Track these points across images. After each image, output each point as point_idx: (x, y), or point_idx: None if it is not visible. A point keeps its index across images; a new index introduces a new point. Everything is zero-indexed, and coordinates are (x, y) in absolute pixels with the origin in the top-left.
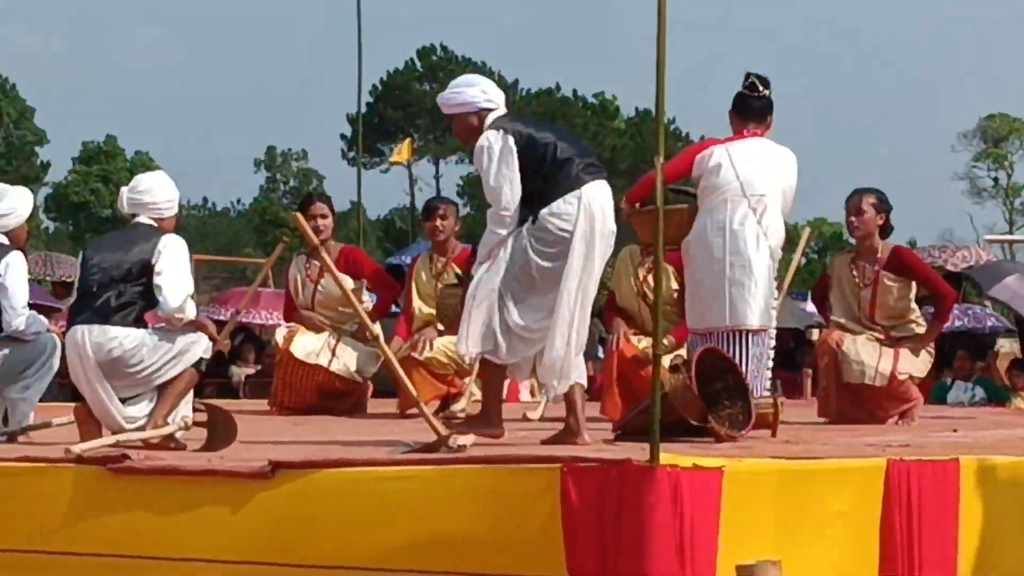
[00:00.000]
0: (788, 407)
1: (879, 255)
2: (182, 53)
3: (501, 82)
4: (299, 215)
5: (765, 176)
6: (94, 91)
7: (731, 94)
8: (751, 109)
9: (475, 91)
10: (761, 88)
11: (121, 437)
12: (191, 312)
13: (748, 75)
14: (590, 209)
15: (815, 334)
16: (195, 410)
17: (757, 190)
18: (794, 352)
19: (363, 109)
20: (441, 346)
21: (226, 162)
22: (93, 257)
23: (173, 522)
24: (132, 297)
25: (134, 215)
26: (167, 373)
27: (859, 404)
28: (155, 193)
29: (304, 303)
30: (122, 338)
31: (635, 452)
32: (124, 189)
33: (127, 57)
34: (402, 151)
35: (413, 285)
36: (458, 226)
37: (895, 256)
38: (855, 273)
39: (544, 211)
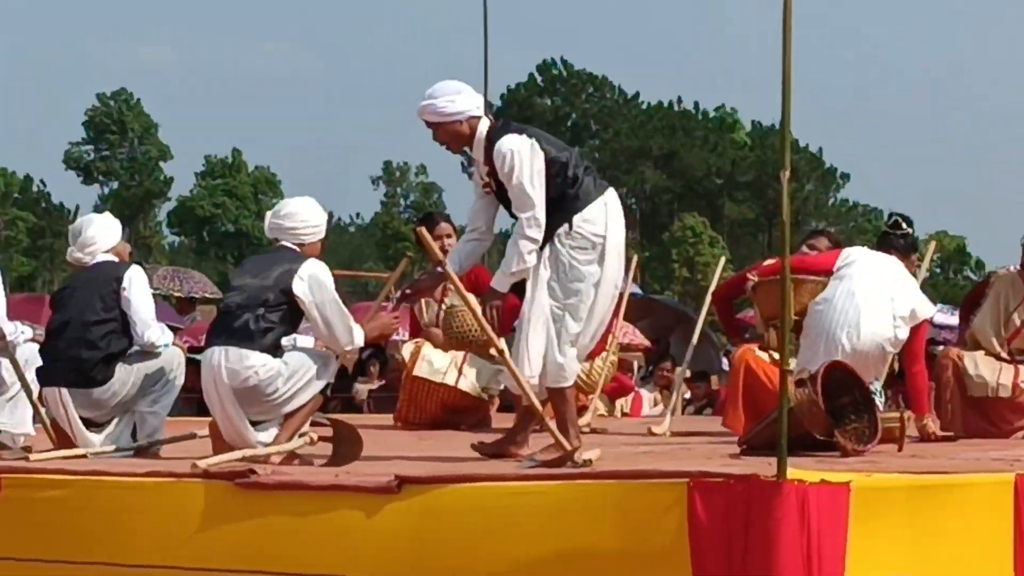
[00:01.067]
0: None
1: None
2: (305, 67)
3: (621, 95)
4: (424, 230)
5: (901, 287)
6: (218, 105)
7: (849, 106)
8: (894, 247)
9: (465, 99)
10: (905, 226)
11: (248, 452)
12: (361, 341)
13: (892, 215)
14: (616, 215)
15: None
16: (321, 425)
17: (893, 293)
18: None
19: None
20: None
21: (347, 176)
22: (237, 278)
23: (300, 537)
24: (270, 323)
25: (276, 239)
26: (298, 400)
27: (984, 417)
28: (296, 218)
29: (430, 321)
30: (258, 367)
31: (762, 467)
32: (268, 213)
33: (250, 71)
34: None
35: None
36: None
37: None
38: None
39: (577, 217)
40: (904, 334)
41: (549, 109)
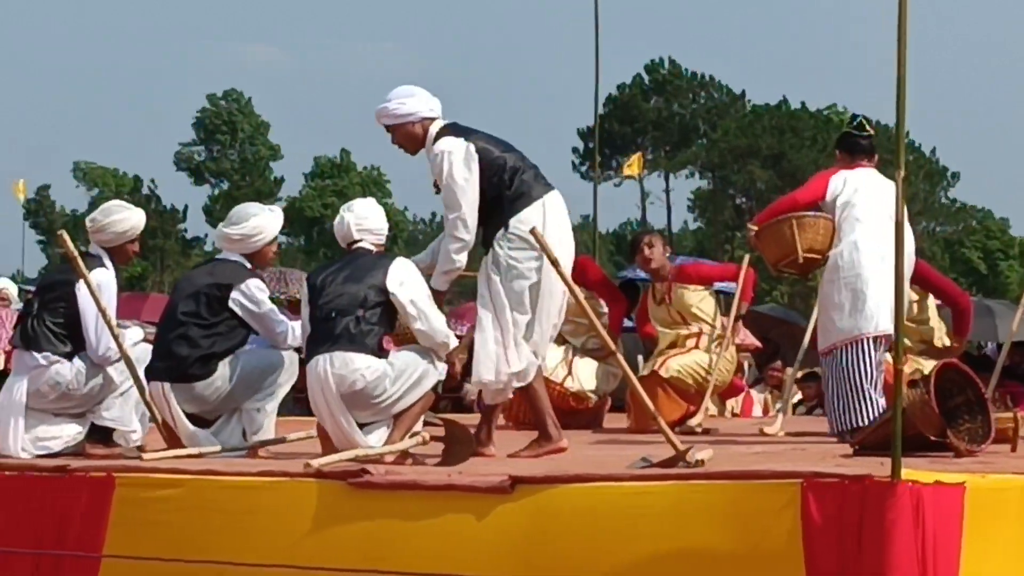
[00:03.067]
0: None
1: None
2: (414, 67)
3: (729, 94)
4: (537, 229)
5: (884, 201)
6: (327, 106)
7: (961, 103)
8: (860, 147)
9: (417, 101)
10: (868, 128)
11: (360, 452)
12: (454, 342)
13: (854, 116)
14: (555, 215)
15: None
16: (433, 425)
17: (887, 211)
18: None
19: (599, 124)
20: (684, 364)
21: None
22: (325, 284)
23: (413, 536)
24: (371, 324)
25: (358, 240)
26: (407, 400)
27: None
28: (378, 220)
29: None
30: (363, 370)
31: (875, 468)
32: (348, 216)
33: (360, 71)
34: (632, 164)
35: (648, 312)
36: (667, 251)
37: None
38: None
39: (513, 219)
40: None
41: (654, 109)
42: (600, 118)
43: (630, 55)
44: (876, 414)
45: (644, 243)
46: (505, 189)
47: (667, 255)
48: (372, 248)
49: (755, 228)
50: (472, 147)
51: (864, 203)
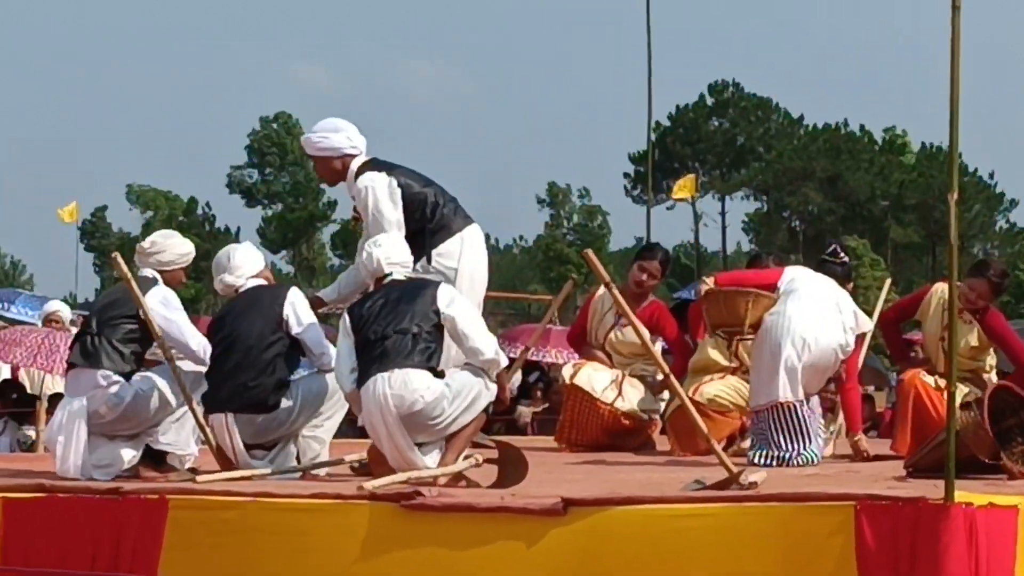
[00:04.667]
0: None
1: None
2: (464, 88)
3: (786, 117)
4: (590, 252)
5: (846, 302)
6: (376, 127)
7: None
8: (832, 274)
9: (340, 137)
10: (842, 255)
11: (413, 474)
12: (504, 360)
13: (831, 242)
14: (472, 248)
15: None
16: (486, 447)
17: (842, 306)
18: None
19: (652, 147)
20: (719, 388)
21: (510, 199)
22: (371, 313)
23: (466, 559)
24: (427, 343)
25: (389, 273)
26: (462, 420)
27: None
28: (404, 252)
29: (597, 339)
30: (423, 391)
31: (929, 490)
32: (377, 252)
33: (408, 92)
34: (684, 187)
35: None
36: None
37: None
38: None
39: (434, 252)
40: (852, 341)
41: (719, 131)
42: (659, 138)
43: (692, 75)
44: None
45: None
46: (427, 223)
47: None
48: (403, 278)
49: (708, 286)
50: (395, 181)
51: (806, 285)
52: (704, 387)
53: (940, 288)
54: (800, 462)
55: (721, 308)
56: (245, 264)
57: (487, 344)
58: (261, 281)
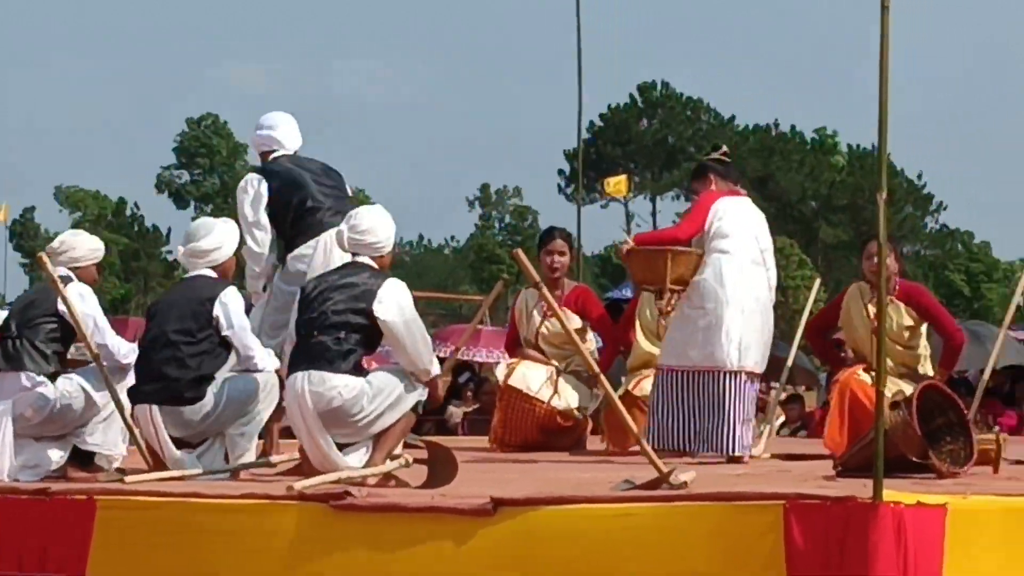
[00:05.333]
0: (1010, 443)
1: None
2: (396, 89)
3: (717, 118)
4: (520, 252)
5: (765, 234)
6: (307, 127)
7: (948, 126)
8: (730, 171)
9: (263, 133)
10: (730, 156)
11: (343, 474)
12: (437, 368)
13: (716, 145)
14: (327, 252)
15: None
16: (416, 447)
17: (763, 245)
18: (1013, 388)
19: (582, 145)
20: None
21: (441, 199)
22: (315, 298)
23: (396, 559)
24: (351, 345)
25: (354, 254)
26: (386, 420)
27: None
28: (378, 232)
29: (528, 337)
30: (341, 387)
31: (858, 489)
32: (343, 226)
33: (341, 93)
34: (618, 184)
35: (637, 322)
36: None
37: None
38: None
39: (290, 255)
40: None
41: (648, 132)
42: (590, 139)
43: (623, 76)
44: (745, 444)
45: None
46: (290, 227)
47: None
48: (371, 263)
49: (629, 245)
50: (264, 184)
51: (734, 234)
52: (645, 382)
53: (853, 288)
54: (741, 450)
55: (641, 268)
56: (211, 253)
57: (421, 355)
58: (210, 272)
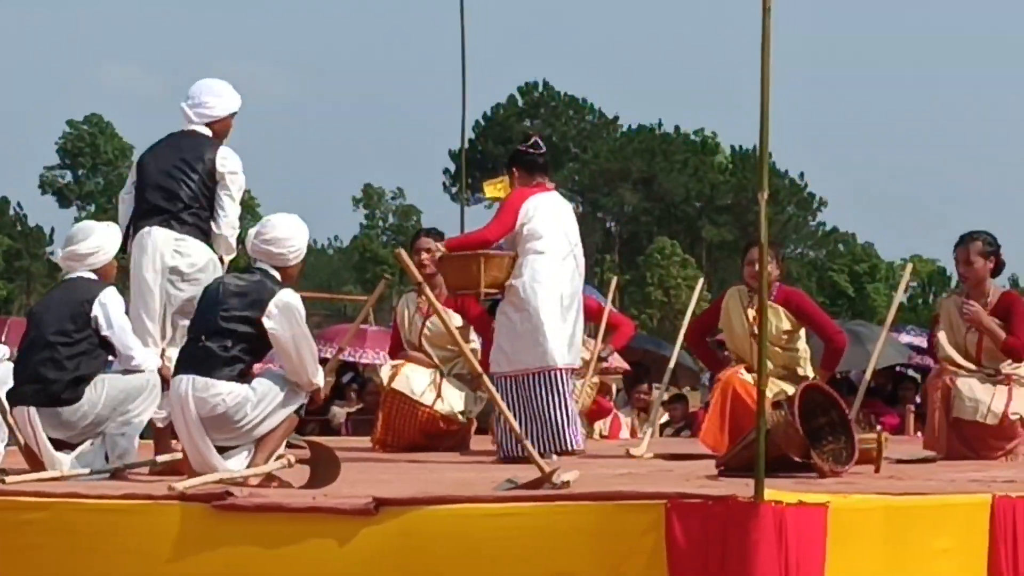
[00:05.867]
0: (891, 443)
1: (988, 299)
2: (279, 88)
3: (601, 118)
4: (402, 252)
5: (573, 227)
6: None
7: (829, 127)
8: (538, 164)
9: (185, 103)
10: (542, 146)
11: (225, 475)
12: (321, 380)
13: (529, 135)
14: (140, 244)
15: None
16: (298, 448)
17: (572, 239)
18: (896, 388)
19: (466, 145)
20: None
21: (324, 200)
22: (212, 301)
23: (277, 559)
24: (237, 352)
25: (256, 260)
26: (268, 423)
27: (965, 441)
28: (286, 243)
29: (411, 340)
30: (225, 395)
31: (739, 488)
32: (252, 232)
33: None
34: (499, 186)
35: None
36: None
37: (1003, 302)
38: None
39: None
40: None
41: (530, 131)
42: (473, 139)
43: (504, 76)
44: (579, 438)
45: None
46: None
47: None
48: (273, 271)
49: (442, 251)
50: (137, 162)
51: (546, 233)
52: None
53: (732, 291)
54: (577, 444)
55: (454, 273)
56: (90, 257)
57: (307, 369)
58: (89, 274)
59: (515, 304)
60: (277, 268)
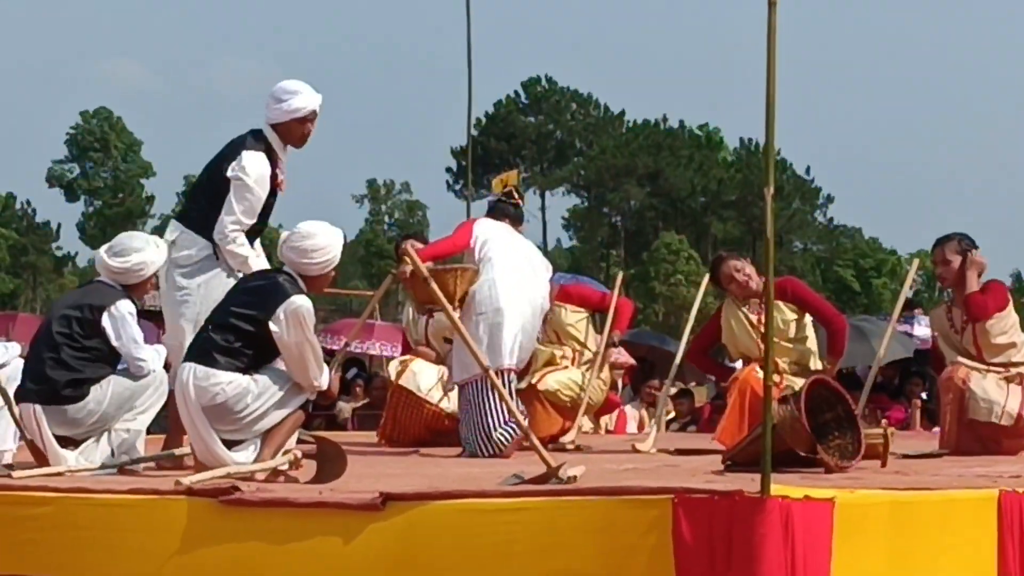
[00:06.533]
0: (897, 438)
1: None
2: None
3: (607, 113)
4: (409, 247)
5: (537, 254)
6: (199, 123)
7: (835, 122)
8: (508, 214)
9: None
10: (517, 196)
11: (232, 469)
12: (325, 381)
13: (509, 192)
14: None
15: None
16: (305, 443)
17: (535, 263)
18: (902, 383)
19: (471, 141)
20: (561, 380)
21: (330, 195)
22: (232, 295)
23: (284, 554)
24: (241, 346)
25: (282, 264)
26: (272, 417)
27: (980, 441)
28: (320, 254)
29: (418, 338)
30: (225, 384)
31: (746, 483)
32: (285, 235)
33: (226, 88)
34: (506, 181)
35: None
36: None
37: (984, 287)
38: (949, 321)
39: None
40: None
41: (533, 126)
42: (476, 135)
43: (507, 72)
44: (508, 437)
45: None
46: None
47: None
48: (296, 276)
49: (409, 269)
50: None
51: (499, 246)
52: (547, 377)
53: (726, 303)
54: (507, 436)
55: (419, 288)
56: (126, 271)
57: (309, 374)
58: (110, 282)
59: (473, 308)
60: (301, 275)
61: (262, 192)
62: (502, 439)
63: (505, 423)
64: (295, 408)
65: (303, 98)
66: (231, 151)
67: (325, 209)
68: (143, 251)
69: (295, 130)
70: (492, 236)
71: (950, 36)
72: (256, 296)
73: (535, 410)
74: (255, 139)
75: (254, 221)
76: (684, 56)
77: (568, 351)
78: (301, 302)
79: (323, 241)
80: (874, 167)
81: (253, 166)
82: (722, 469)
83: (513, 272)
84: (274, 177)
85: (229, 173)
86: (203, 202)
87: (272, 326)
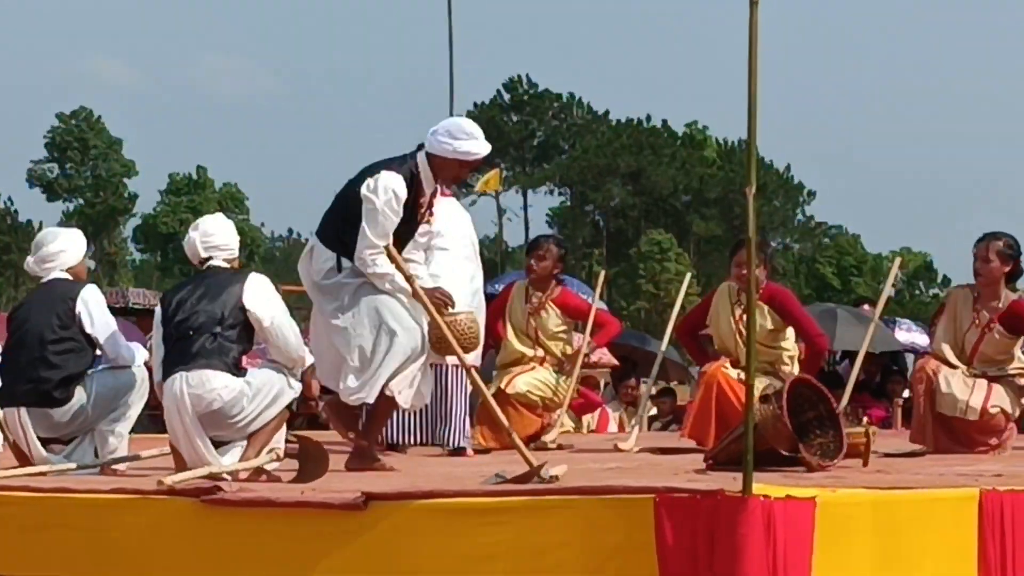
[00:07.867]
0: (879, 437)
1: (999, 304)
2: (269, 84)
3: (590, 113)
4: (392, 247)
5: (471, 230)
6: (181, 123)
7: (816, 119)
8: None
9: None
10: None
11: (214, 469)
12: (308, 356)
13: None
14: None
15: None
16: (287, 442)
17: (473, 241)
18: (884, 381)
19: None
20: (530, 382)
21: (311, 193)
22: (180, 304)
23: (266, 554)
24: (229, 341)
25: (208, 258)
26: (263, 418)
27: (951, 434)
28: (224, 236)
29: None
30: (220, 389)
31: (727, 482)
32: (194, 233)
33: (209, 88)
34: (489, 181)
35: (506, 315)
36: (557, 269)
37: (1012, 310)
38: (974, 314)
39: None
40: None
41: (515, 127)
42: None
43: (489, 73)
44: (467, 435)
45: (541, 250)
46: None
47: (556, 271)
48: (224, 264)
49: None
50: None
51: (449, 233)
52: (516, 380)
53: (723, 288)
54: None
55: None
56: (57, 257)
57: (291, 344)
58: (64, 275)
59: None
60: (226, 261)
61: (393, 214)
62: (466, 433)
63: (467, 417)
64: (283, 407)
65: (477, 144)
66: (376, 167)
67: (308, 208)
68: (63, 235)
69: (453, 169)
70: (439, 217)
71: (932, 35)
72: (216, 289)
73: (508, 414)
74: (401, 162)
75: (389, 241)
76: (665, 55)
77: (540, 352)
78: (258, 275)
79: (227, 230)
80: (856, 165)
81: (386, 187)
82: (704, 468)
83: (458, 260)
84: (417, 206)
85: (363, 190)
86: (335, 214)
87: (248, 303)
